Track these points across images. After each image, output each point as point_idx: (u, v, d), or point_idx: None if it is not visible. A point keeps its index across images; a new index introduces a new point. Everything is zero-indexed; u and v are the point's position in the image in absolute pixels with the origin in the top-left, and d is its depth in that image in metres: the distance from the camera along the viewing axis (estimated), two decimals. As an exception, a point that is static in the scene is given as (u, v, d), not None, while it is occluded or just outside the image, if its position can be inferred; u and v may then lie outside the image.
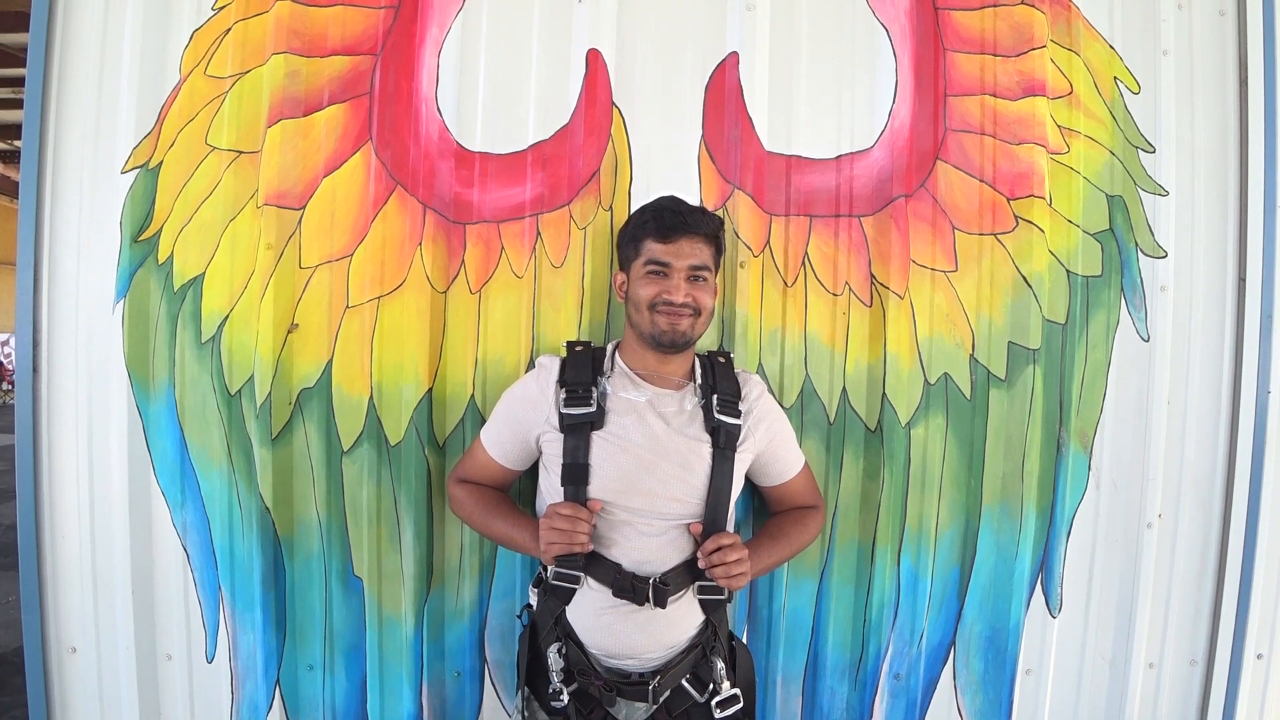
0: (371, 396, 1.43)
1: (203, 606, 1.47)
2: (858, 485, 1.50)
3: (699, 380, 1.30)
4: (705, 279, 1.26)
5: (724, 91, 1.48)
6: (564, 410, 1.24)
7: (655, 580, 1.20)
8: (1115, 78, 1.57)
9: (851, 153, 1.50)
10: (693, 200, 1.43)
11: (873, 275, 1.49)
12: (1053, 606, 1.56)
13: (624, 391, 1.27)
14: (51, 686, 1.49)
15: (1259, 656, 1.59)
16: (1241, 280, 1.57)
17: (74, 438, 1.47)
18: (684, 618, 1.24)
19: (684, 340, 1.25)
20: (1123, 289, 1.55)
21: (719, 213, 1.44)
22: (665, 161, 1.48)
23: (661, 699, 1.21)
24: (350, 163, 1.44)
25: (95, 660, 1.48)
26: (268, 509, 1.43)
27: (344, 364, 1.44)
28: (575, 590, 1.23)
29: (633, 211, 1.35)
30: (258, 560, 1.43)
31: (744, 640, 1.47)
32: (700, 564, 1.20)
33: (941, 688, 1.56)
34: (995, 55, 1.51)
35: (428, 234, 1.44)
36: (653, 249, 1.24)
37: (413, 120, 1.44)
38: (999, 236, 1.51)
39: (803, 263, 1.48)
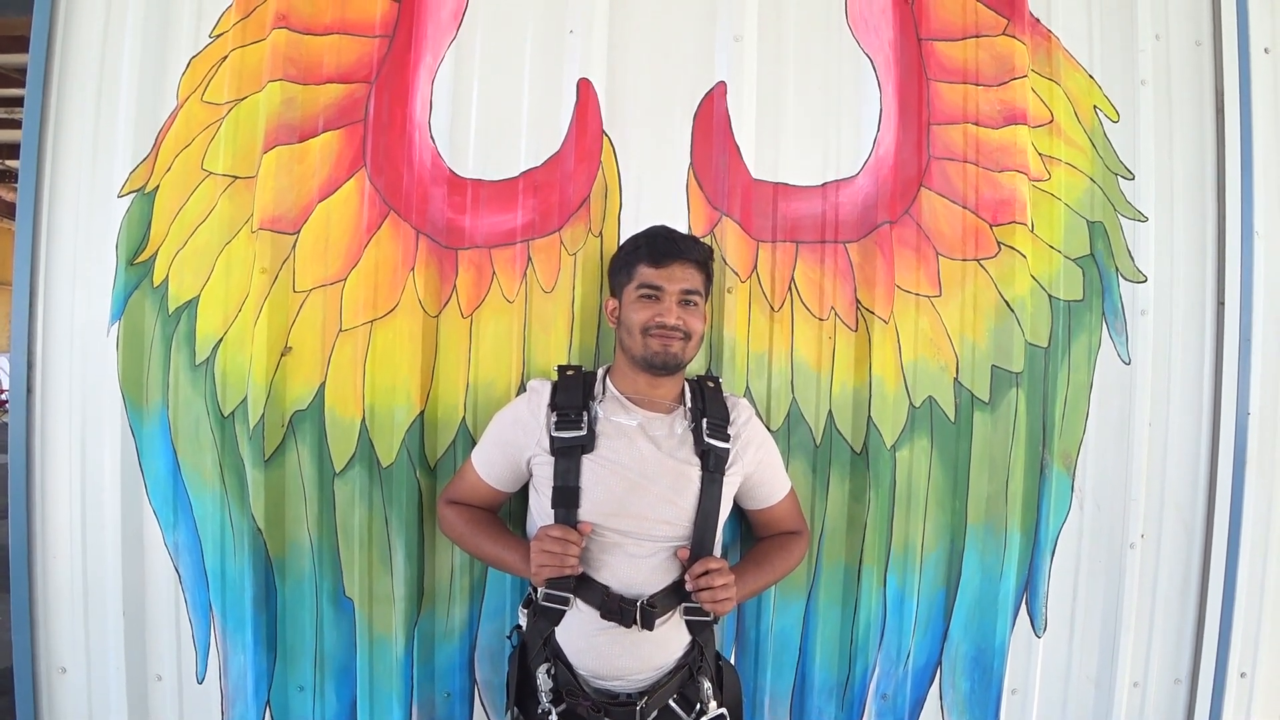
0: (364, 419, 1.45)
1: (194, 627, 1.48)
2: (844, 507, 1.52)
3: (688, 404, 1.32)
4: (696, 304, 1.28)
5: (712, 120, 1.50)
6: (555, 434, 1.26)
7: (643, 603, 1.21)
8: (1095, 106, 1.60)
9: (837, 180, 1.53)
10: (681, 227, 1.46)
11: (858, 300, 1.51)
12: (1037, 626, 1.58)
13: (615, 415, 1.28)
14: (41, 707, 1.49)
15: (1242, 675, 1.61)
16: (1220, 304, 1.60)
17: (67, 458, 1.48)
18: (671, 639, 1.25)
19: (675, 363, 1.27)
20: (1104, 313, 1.58)
21: (707, 239, 1.47)
22: (654, 188, 1.50)
23: (649, 719, 1.22)
24: (344, 188, 1.46)
25: (85, 680, 1.49)
26: (259, 530, 1.44)
27: (336, 387, 1.45)
28: (564, 611, 1.24)
29: (624, 240, 1.37)
30: (249, 581, 1.43)
31: (732, 660, 1.48)
32: (687, 587, 1.21)
33: (928, 708, 1.57)
34: (977, 85, 1.55)
35: (420, 259, 1.46)
36: (645, 273, 1.27)
37: (406, 147, 1.46)
38: (982, 262, 1.54)
39: (789, 288, 1.51)
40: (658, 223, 1.37)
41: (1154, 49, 1.62)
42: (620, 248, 1.36)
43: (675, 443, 1.28)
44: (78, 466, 1.48)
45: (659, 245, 1.28)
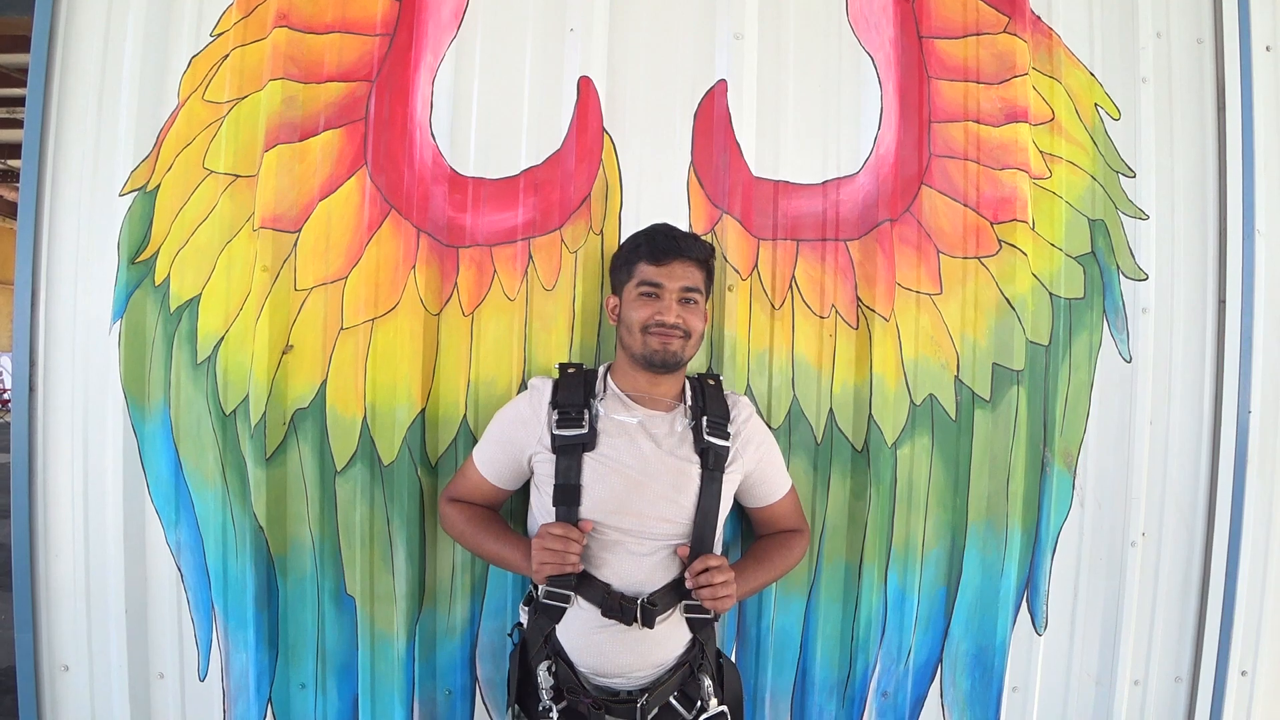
0: (365, 417, 1.45)
1: (195, 625, 1.48)
2: (845, 504, 1.52)
3: (689, 402, 1.32)
4: (696, 302, 1.28)
5: (712, 118, 1.51)
6: (556, 431, 1.26)
7: (643, 600, 1.22)
8: (1096, 104, 1.60)
9: (838, 178, 1.53)
10: (682, 225, 1.46)
11: (859, 298, 1.52)
12: (1038, 624, 1.58)
13: (616, 413, 1.29)
14: (44, 705, 1.49)
15: (1243, 673, 1.61)
16: (1221, 302, 1.60)
17: (69, 457, 1.48)
18: (671, 637, 1.25)
19: (674, 361, 1.27)
20: (1105, 311, 1.58)
21: (707, 237, 1.47)
22: (655, 187, 1.50)
23: (650, 716, 1.22)
24: (345, 187, 1.46)
25: (88, 678, 1.49)
26: (261, 528, 1.44)
27: (338, 385, 1.45)
28: (565, 609, 1.24)
29: (626, 238, 1.37)
30: (251, 579, 1.44)
31: (733, 658, 1.49)
32: (688, 584, 1.21)
33: (929, 705, 1.57)
34: (978, 82, 1.55)
35: (421, 257, 1.46)
36: (645, 271, 1.27)
37: (407, 145, 1.46)
38: (983, 260, 1.54)
39: (790, 286, 1.51)
40: (659, 220, 1.37)
41: (1155, 46, 1.62)
42: (621, 245, 1.36)
43: (675, 441, 1.28)
44: (80, 465, 1.48)
45: (659, 243, 1.28)
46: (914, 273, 1.52)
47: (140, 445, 1.47)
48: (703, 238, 1.40)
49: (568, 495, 1.23)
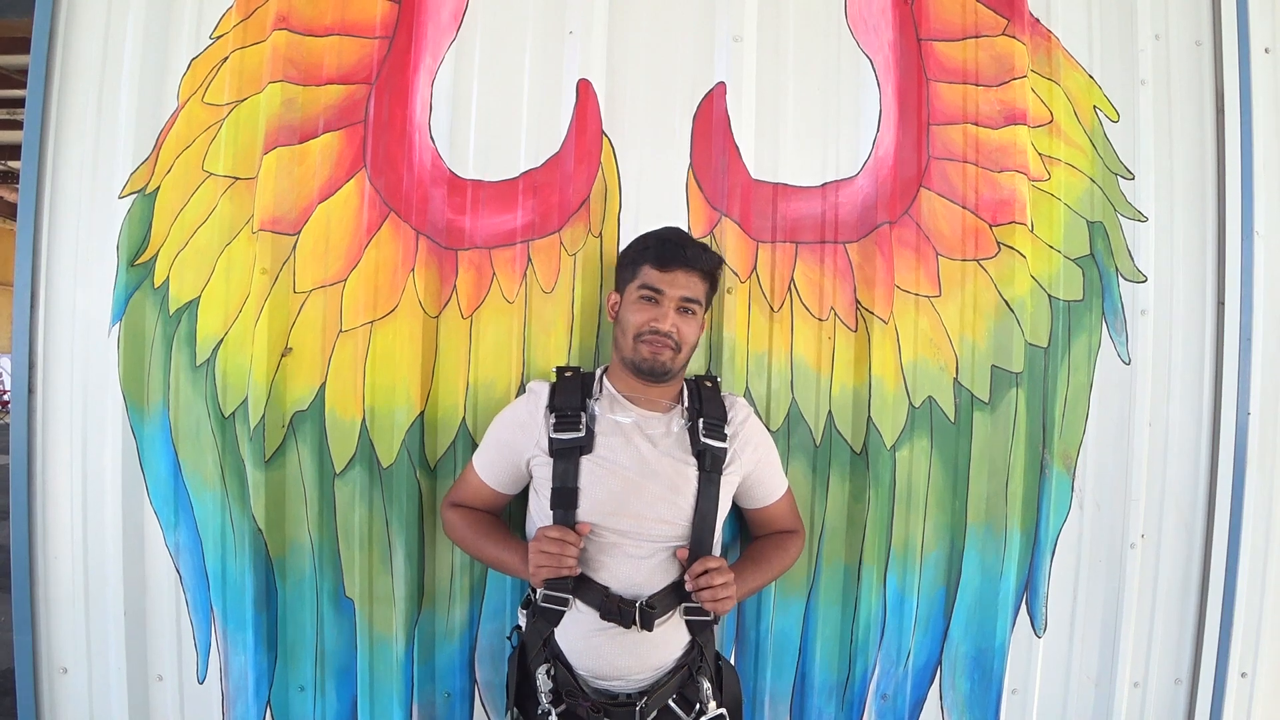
0: (364, 420, 1.45)
1: (194, 627, 1.48)
2: (844, 507, 1.52)
3: (685, 404, 1.32)
4: (694, 312, 1.29)
5: (711, 121, 1.51)
6: (554, 435, 1.26)
7: (642, 603, 1.21)
8: (1095, 106, 1.60)
9: (837, 180, 1.53)
10: (681, 228, 1.46)
11: (858, 300, 1.52)
12: (1038, 626, 1.58)
13: (611, 414, 1.29)
14: (42, 707, 1.49)
15: (1243, 675, 1.61)
16: (1220, 304, 1.60)
17: (68, 459, 1.48)
18: (670, 639, 1.25)
19: (662, 371, 1.27)
20: (1104, 313, 1.58)
21: (706, 239, 1.47)
22: (654, 189, 1.50)
23: (648, 719, 1.22)
24: (344, 189, 1.46)
25: (86, 681, 1.49)
26: (260, 530, 1.44)
27: (337, 387, 1.45)
28: (564, 612, 1.24)
29: (638, 235, 1.36)
30: (250, 581, 1.44)
31: (732, 660, 1.48)
32: (687, 586, 1.21)
33: (928, 708, 1.57)
34: (977, 85, 1.55)
35: (420, 260, 1.46)
36: (648, 275, 1.27)
37: (406, 148, 1.47)
38: (981, 262, 1.54)
39: (789, 288, 1.51)
40: (657, 224, 1.38)
41: (1154, 49, 1.62)
42: (631, 243, 1.36)
43: (672, 442, 1.28)
44: (79, 467, 1.48)
45: (667, 249, 1.28)
46: (913, 275, 1.52)
47: (139, 447, 1.47)
48: (713, 248, 1.39)
49: (565, 498, 1.23)
